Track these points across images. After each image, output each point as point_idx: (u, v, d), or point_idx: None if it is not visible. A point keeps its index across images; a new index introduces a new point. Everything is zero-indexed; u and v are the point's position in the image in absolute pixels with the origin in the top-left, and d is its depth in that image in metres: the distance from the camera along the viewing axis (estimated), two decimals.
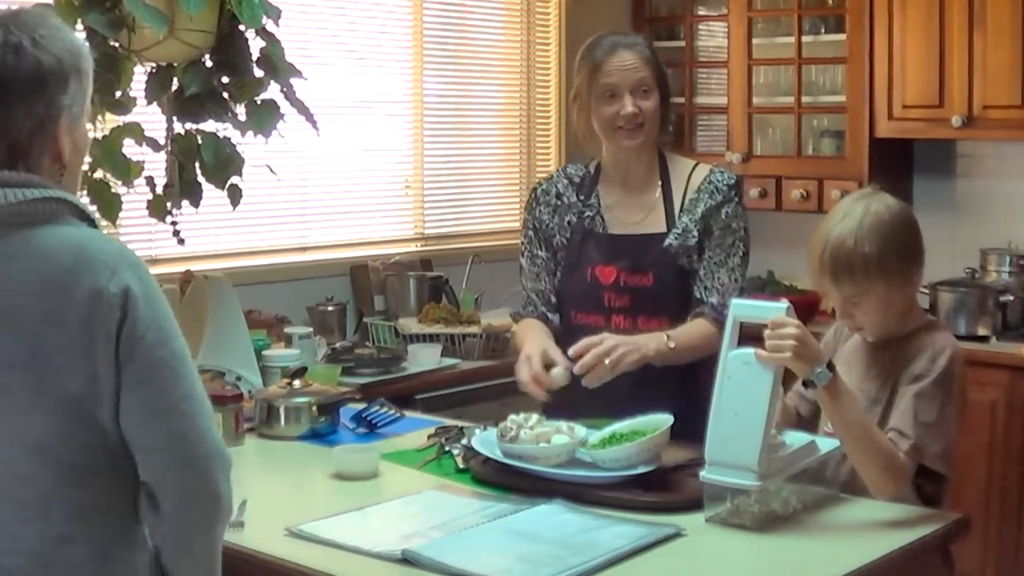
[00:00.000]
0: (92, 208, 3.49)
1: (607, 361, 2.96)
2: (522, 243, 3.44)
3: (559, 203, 3.37)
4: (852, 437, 2.60)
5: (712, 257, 3.24)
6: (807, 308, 5.23)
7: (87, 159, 3.45)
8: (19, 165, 1.95)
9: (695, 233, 3.24)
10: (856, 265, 2.67)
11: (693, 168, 3.33)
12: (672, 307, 3.22)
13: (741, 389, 2.53)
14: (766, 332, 2.53)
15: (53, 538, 1.92)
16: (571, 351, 3.01)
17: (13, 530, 1.91)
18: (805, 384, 2.56)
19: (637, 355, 3.00)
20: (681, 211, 3.27)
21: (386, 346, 4.63)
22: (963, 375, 2.72)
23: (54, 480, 1.92)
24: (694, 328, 3.18)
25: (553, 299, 3.38)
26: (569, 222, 3.34)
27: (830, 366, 2.55)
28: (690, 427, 2.68)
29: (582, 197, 3.35)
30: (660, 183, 3.31)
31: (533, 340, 3.19)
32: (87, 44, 2.08)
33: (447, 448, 3.04)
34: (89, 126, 3.40)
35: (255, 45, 3.51)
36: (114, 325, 1.90)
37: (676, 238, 3.24)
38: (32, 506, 1.92)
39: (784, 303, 2.56)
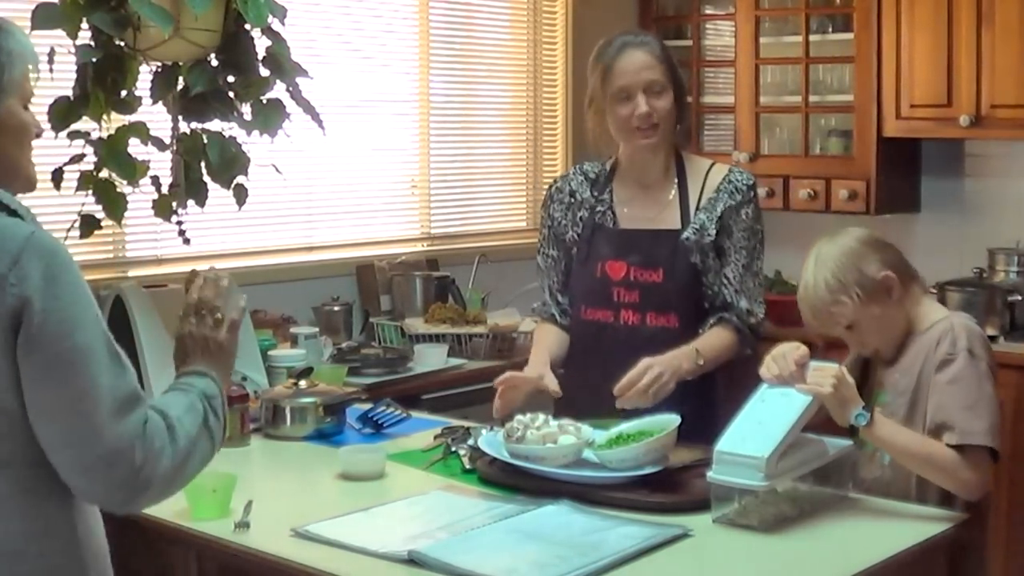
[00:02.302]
0: (96, 204, 3.50)
1: (650, 392, 2.96)
2: (539, 241, 3.45)
3: (572, 200, 3.37)
4: (914, 461, 2.68)
5: (739, 260, 3.22)
6: None
7: (92, 158, 3.46)
8: None
9: (711, 231, 3.21)
10: (820, 297, 2.82)
11: (710, 168, 3.31)
12: (682, 304, 3.20)
13: (772, 407, 2.60)
14: (809, 373, 2.63)
15: None
16: (616, 389, 2.98)
17: None
18: (851, 432, 2.64)
19: (674, 381, 3.01)
20: (698, 209, 3.24)
21: (392, 346, 4.63)
22: (987, 349, 2.77)
23: None
24: (717, 339, 3.18)
25: (560, 299, 3.38)
26: (581, 218, 3.34)
27: (867, 407, 2.62)
28: (700, 429, 2.72)
29: (596, 193, 3.35)
30: (676, 182, 3.29)
31: (535, 358, 3.25)
32: (12, 28, 2.03)
33: (453, 448, 3.04)
34: (94, 125, 3.45)
35: (261, 44, 3.50)
36: (7, 313, 1.85)
37: (693, 233, 3.21)
38: None
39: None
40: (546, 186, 5.50)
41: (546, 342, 3.32)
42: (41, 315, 1.86)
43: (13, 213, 1.96)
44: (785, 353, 2.68)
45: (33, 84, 2.08)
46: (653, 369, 2.99)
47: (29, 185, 2.08)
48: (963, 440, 2.62)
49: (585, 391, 3.15)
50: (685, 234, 3.21)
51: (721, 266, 3.23)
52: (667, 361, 3.02)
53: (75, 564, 1.99)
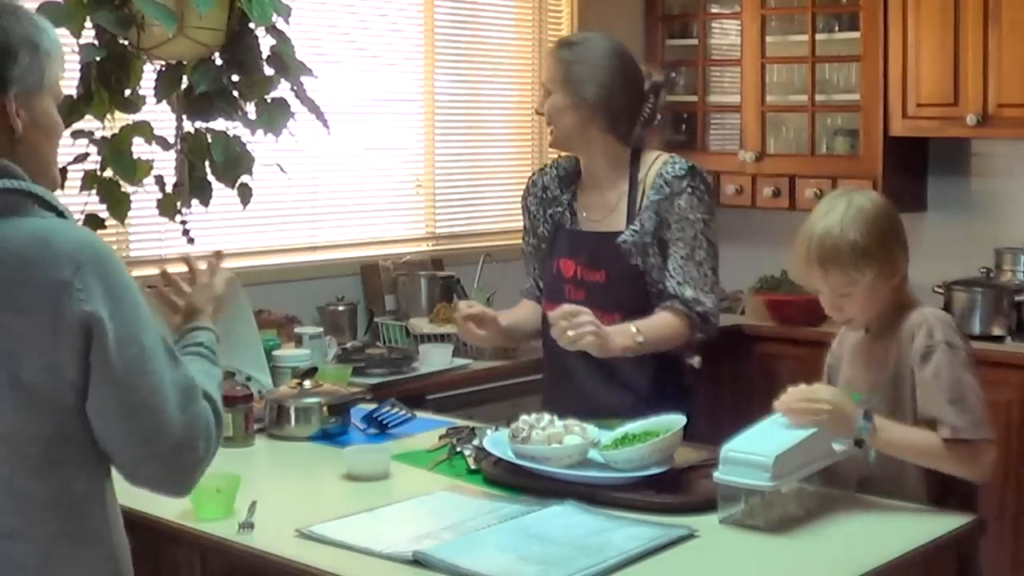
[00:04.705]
0: (101, 203, 3.49)
1: (570, 333, 3.02)
2: (523, 228, 3.57)
3: (544, 196, 3.48)
4: (920, 459, 2.67)
5: (677, 251, 3.23)
6: (820, 308, 5.19)
7: (96, 158, 3.45)
8: None
9: (650, 231, 3.25)
10: (844, 252, 2.72)
11: (653, 161, 3.33)
12: (625, 304, 3.23)
13: (783, 425, 2.60)
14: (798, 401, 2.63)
15: None
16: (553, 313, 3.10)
17: None
18: (857, 443, 2.62)
19: (598, 342, 3.04)
20: (640, 209, 3.28)
21: (397, 346, 4.62)
22: (964, 338, 2.75)
23: (6, 472, 1.89)
24: (660, 321, 3.21)
25: (541, 284, 3.50)
26: (551, 215, 3.44)
27: (867, 416, 2.61)
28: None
29: (563, 190, 3.44)
30: (628, 182, 3.32)
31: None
32: (49, 26, 2.05)
33: (459, 449, 3.03)
34: (98, 124, 3.45)
35: (265, 43, 3.50)
36: (76, 320, 1.87)
37: (631, 235, 3.25)
38: None
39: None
40: None
41: (515, 311, 3.52)
42: (112, 327, 1.90)
43: (60, 214, 1.98)
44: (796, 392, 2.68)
45: (61, 81, 2.10)
46: (583, 316, 3.03)
47: (54, 185, 2.09)
48: (954, 435, 2.62)
49: (549, 386, 3.44)
50: (623, 236, 3.26)
51: (664, 259, 3.26)
52: (604, 329, 3.06)
53: (111, 565, 2.02)
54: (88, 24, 3.33)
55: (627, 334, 3.12)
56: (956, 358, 2.68)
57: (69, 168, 3.43)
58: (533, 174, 3.57)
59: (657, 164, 3.30)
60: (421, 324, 4.67)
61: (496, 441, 2.89)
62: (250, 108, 3.51)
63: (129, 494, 2.12)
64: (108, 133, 3.49)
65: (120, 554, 2.04)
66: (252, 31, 3.44)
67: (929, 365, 2.67)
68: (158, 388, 1.95)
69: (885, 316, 2.80)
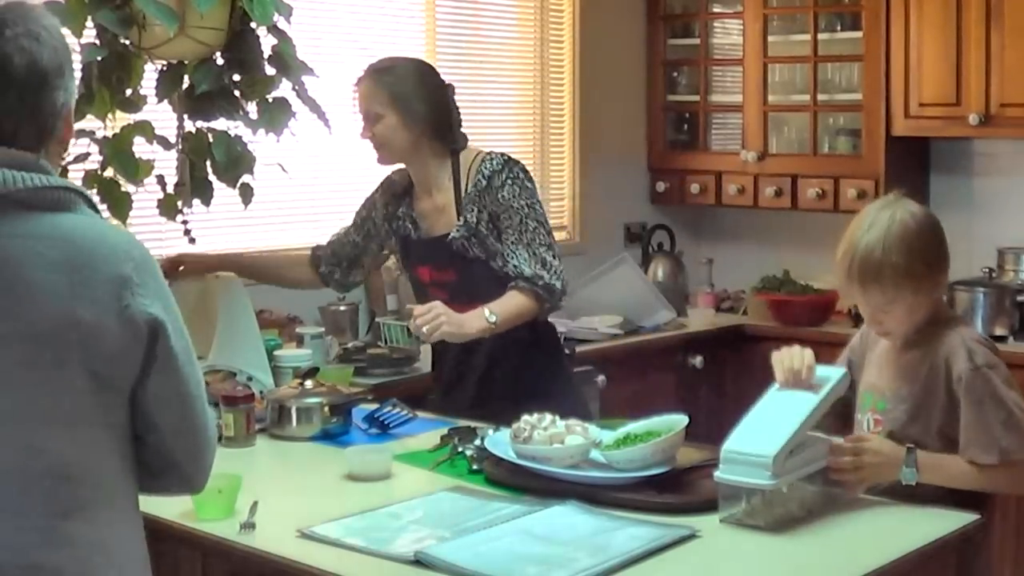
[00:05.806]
0: (102, 203, 3.49)
1: (424, 329, 3.27)
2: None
3: (392, 197, 3.70)
4: (970, 487, 2.69)
5: (509, 238, 3.47)
6: (823, 308, 5.21)
7: (98, 157, 3.45)
8: (41, 150, 1.97)
9: (478, 225, 3.47)
10: (885, 275, 2.71)
11: (472, 159, 3.54)
12: (484, 293, 3.42)
13: (779, 407, 2.61)
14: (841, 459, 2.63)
15: (59, 514, 1.91)
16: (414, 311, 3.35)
17: (21, 505, 1.90)
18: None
19: (451, 330, 3.30)
20: (463, 207, 3.50)
21: (398, 346, 4.61)
22: (997, 352, 2.76)
23: (67, 456, 1.92)
24: (510, 300, 3.42)
25: (331, 250, 3.82)
26: (397, 224, 3.67)
27: (910, 460, 2.63)
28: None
29: (399, 204, 3.67)
30: (452, 185, 3.54)
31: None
32: None
33: (460, 449, 3.03)
34: (99, 124, 3.45)
35: (266, 42, 3.49)
36: (140, 314, 1.93)
37: (457, 231, 3.49)
38: (42, 481, 1.91)
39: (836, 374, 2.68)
40: (553, 185, 5.58)
41: (272, 255, 4.06)
42: (169, 320, 1.98)
43: (100, 215, 2.06)
44: (793, 355, 2.67)
45: None
46: (434, 310, 3.28)
47: None
48: (1004, 458, 2.64)
49: (440, 385, 3.70)
50: (451, 235, 3.50)
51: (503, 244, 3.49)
52: (456, 318, 3.31)
53: (147, 564, 2.07)
54: (89, 23, 3.33)
55: (480, 317, 3.35)
56: (999, 377, 2.70)
57: (70, 168, 3.43)
58: (392, 173, 3.71)
59: (475, 162, 3.52)
60: None
61: (497, 441, 2.89)
62: (251, 108, 3.51)
63: None
64: (109, 133, 3.49)
65: (147, 553, 2.08)
66: (253, 30, 3.44)
67: (975, 392, 2.68)
68: (200, 380, 2.05)
69: (919, 327, 2.80)
